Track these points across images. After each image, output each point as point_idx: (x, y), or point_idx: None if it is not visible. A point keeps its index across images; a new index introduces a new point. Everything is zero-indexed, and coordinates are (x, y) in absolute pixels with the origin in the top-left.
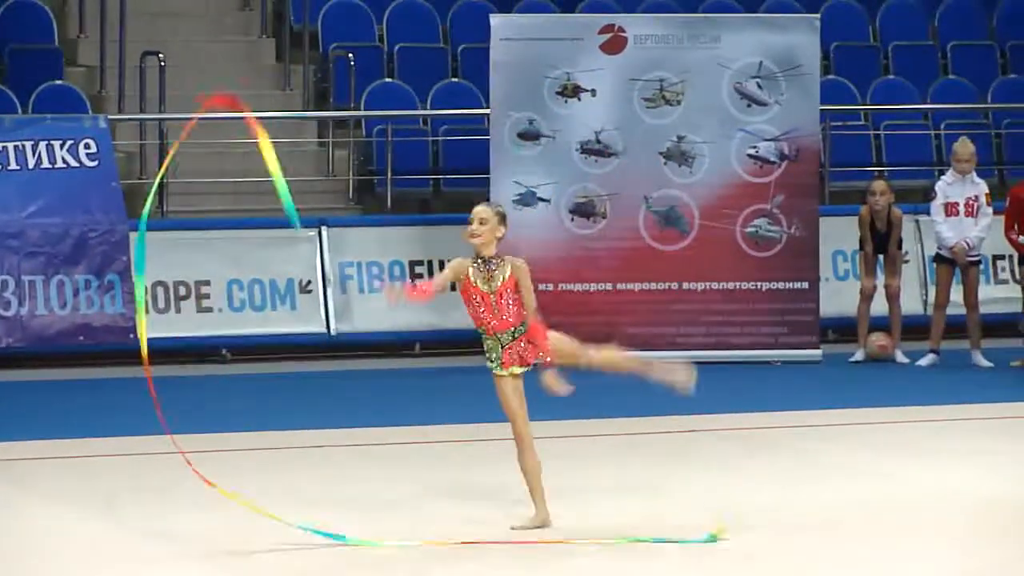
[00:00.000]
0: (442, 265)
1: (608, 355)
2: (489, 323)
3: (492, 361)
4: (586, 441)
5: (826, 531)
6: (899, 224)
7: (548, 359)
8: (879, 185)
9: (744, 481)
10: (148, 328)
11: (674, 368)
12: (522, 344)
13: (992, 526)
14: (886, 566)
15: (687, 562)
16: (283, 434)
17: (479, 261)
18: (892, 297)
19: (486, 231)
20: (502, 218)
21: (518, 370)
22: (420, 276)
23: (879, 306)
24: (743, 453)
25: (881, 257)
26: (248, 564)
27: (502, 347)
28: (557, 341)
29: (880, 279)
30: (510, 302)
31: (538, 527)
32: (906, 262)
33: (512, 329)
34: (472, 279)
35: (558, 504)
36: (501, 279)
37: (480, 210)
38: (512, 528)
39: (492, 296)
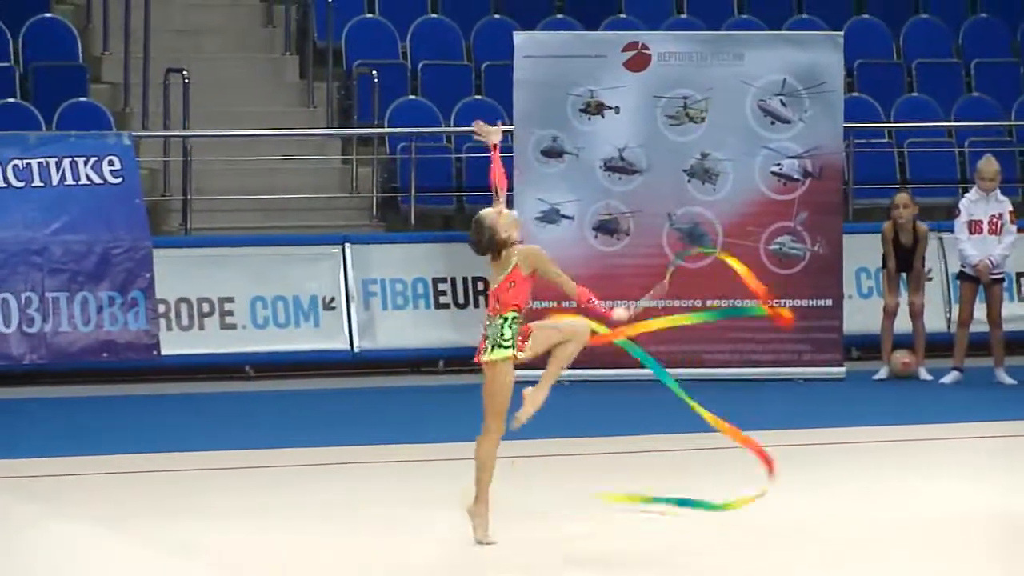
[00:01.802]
0: (466, 282)
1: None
2: (515, 302)
3: (510, 345)
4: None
5: (849, 547)
6: (924, 238)
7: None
8: (902, 198)
9: (767, 497)
10: (171, 345)
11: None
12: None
13: (1018, 545)
14: None
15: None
16: (307, 451)
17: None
18: (915, 315)
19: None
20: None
21: (520, 355)
22: (444, 294)
23: (903, 323)
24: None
25: (904, 275)
26: None
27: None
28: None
29: (903, 296)
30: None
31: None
32: (929, 279)
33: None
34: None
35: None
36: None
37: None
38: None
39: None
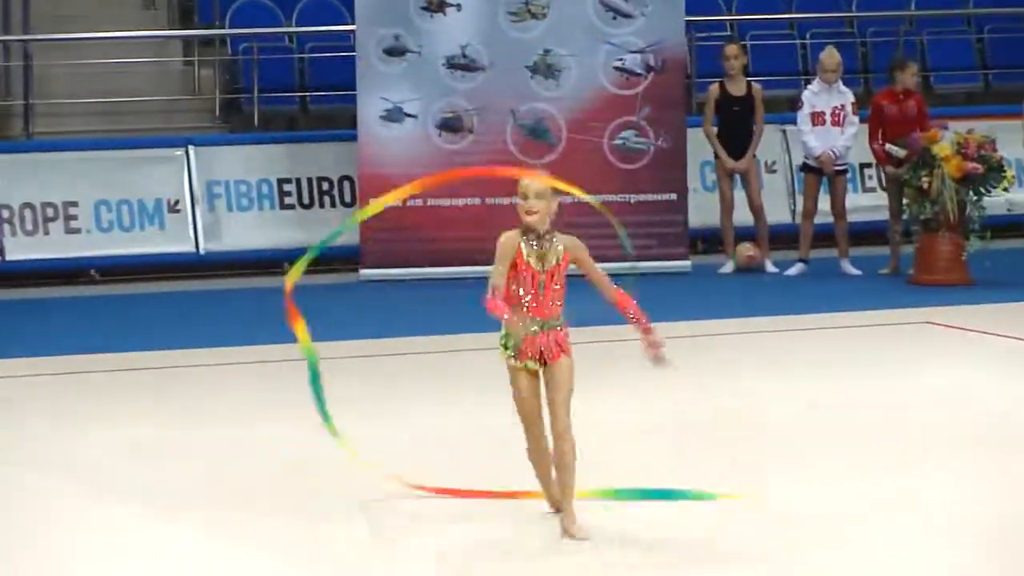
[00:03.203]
0: (311, 183)
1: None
2: (528, 304)
3: (507, 348)
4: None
5: (692, 437)
6: (760, 99)
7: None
8: (732, 49)
9: (608, 390)
10: (16, 251)
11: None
12: (550, 341)
13: (852, 430)
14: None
15: None
16: (153, 354)
17: (530, 236)
18: (757, 209)
19: (543, 206)
20: (554, 191)
21: (533, 365)
22: (288, 195)
23: (747, 216)
24: (608, 363)
25: (736, 161)
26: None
27: (524, 335)
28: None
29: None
30: (557, 287)
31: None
32: (773, 171)
33: (546, 320)
34: (525, 256)
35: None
36: (555, 259)
37: (532, 185)
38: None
39: (543, 276)
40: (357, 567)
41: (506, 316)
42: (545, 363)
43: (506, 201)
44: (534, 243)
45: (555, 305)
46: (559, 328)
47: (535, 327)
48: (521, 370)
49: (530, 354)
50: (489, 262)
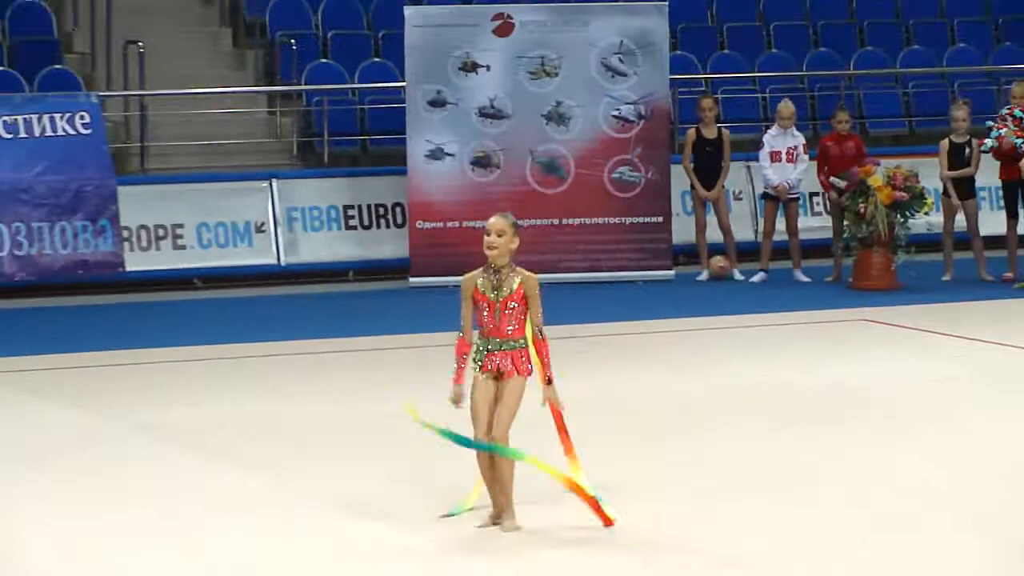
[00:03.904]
0: (370, 208)
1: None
2: (488, 327)
3: (475, 362)
4: None
5: (675, 415)
6: (727, 141)
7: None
8: (707, 102)
9: (613, 377)
10: (133, 263)
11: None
12: (507, 359)
13: (799, 403)
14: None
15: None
16: (244, 345)
17: (489, 271)
18: (726, 230)
19: (502, 243)
20: (516, 228)
21: (490, 377)
22: (352, 218)
23: (718, 235)
24: (612, 354)
25: (709, 191)
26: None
27: (488, 351)
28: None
29: (711, 212)
30: (514, 313)
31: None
32: (739, 199)
33: (503, 340)
34: (481, 289)
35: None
36: (508, 290)
37: (496, 222)
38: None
39: (497, 304)
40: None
41: (455, 365)
42: (499, 378)
43: (525, 223)
44: (492, 276)
45: (511, 328)
46: (517, 348)
47: (492, 346)
48: (481, 381)
49: (489, 368)
50: None
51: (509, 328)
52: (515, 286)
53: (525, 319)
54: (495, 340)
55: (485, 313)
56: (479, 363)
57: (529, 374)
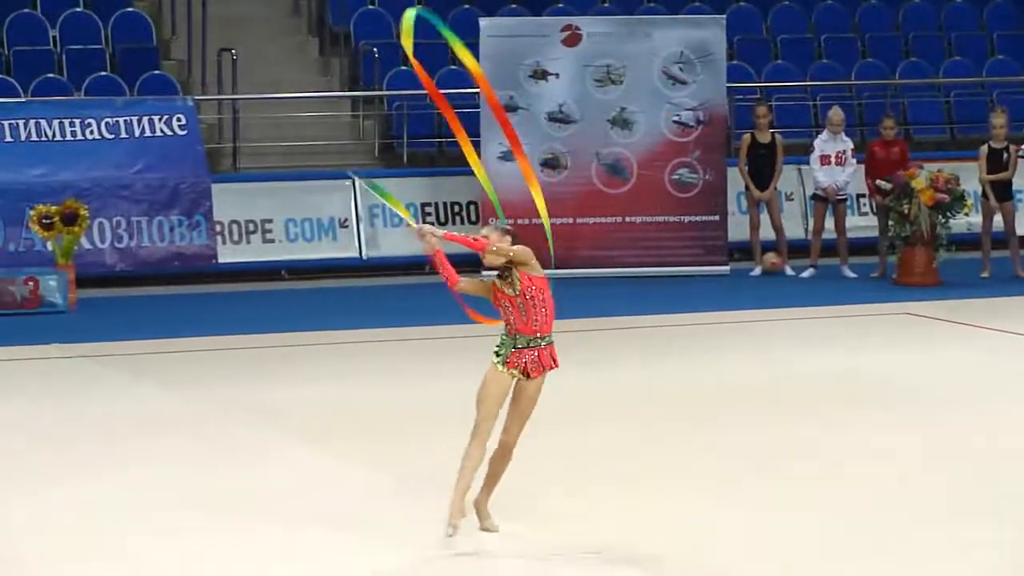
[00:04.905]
0: (445, 206)
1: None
2: (513, 324)
3: (498, 355)
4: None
5: (736, 397)
6: (782, 147)
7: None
8: (761, 109)
9: (665, 364)
10: (226, 255)
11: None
12: (533, 355)
13: (847, 392)
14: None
15: None
16: (327, 333)
17: (498, 274)
18: (778, 228)
19: (491, 258)
20: (502, 232)
21: (515, 375)
22: (429, 214)
23: (771, 233)
24: (665, 343)
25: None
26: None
27: (514, 348)
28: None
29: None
30: (536, 305)
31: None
32: (791, 200)
33: (531, 337)
34: (500, 287)
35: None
36: (518, 281)
37: (485, 233)
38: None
39: (518, 298)
40: None
41: (452, 281)
42: (527, 376)
43: (591, 221)
44: (504, 276)
45: (535, 325)
46: (543, 346)
47: (520, 343)
48: (501, 375)
49: (515, 365)
50: (575, 266)
51: (535, 324)
52: (518, 276)
53: (548, 312)
54: (523, 337)
55: (510, 311)
56: (504, 358)
57: (554, 367)
